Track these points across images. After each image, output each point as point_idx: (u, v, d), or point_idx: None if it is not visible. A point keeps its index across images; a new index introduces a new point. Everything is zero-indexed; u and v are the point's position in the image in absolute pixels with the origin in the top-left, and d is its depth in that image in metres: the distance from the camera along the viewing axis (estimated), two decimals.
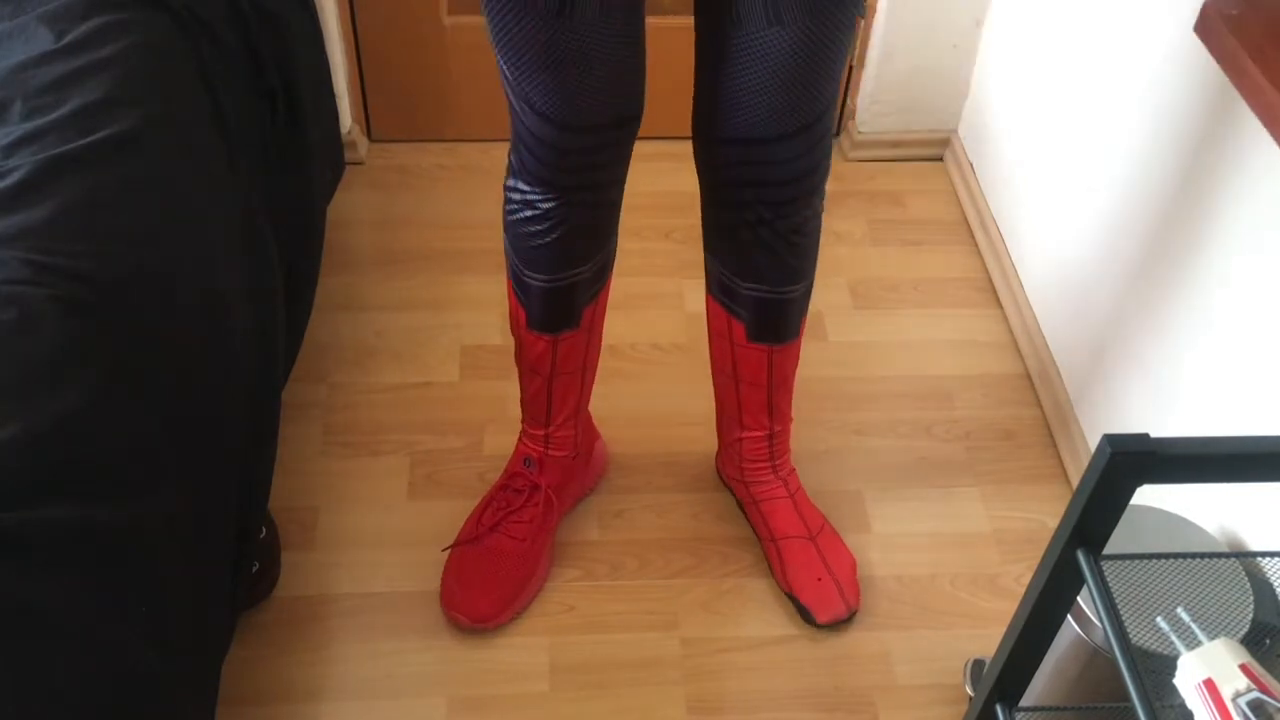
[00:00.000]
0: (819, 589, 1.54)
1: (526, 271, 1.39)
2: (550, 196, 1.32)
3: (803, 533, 1.58)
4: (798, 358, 1.52)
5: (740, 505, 1.65)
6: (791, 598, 1.55)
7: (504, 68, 1.23)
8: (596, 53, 1.18)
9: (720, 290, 1.45)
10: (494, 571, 1.53)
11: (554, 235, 1.35)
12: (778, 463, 1.60)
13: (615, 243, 1.43)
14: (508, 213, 1.37)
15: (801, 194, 1.33)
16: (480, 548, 1.55)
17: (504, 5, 1.16)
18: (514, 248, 1.39)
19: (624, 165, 1.34)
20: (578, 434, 1.58)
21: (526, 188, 1.33)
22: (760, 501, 1.60)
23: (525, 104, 1.24)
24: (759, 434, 1.58)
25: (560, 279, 1.39)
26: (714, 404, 1.61)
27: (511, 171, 1.35)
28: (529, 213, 1.34)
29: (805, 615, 1.54)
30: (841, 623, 1.54)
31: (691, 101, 1.30)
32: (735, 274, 1.41)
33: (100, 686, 0.92)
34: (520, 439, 1.60)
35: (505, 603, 1.52)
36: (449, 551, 1.56)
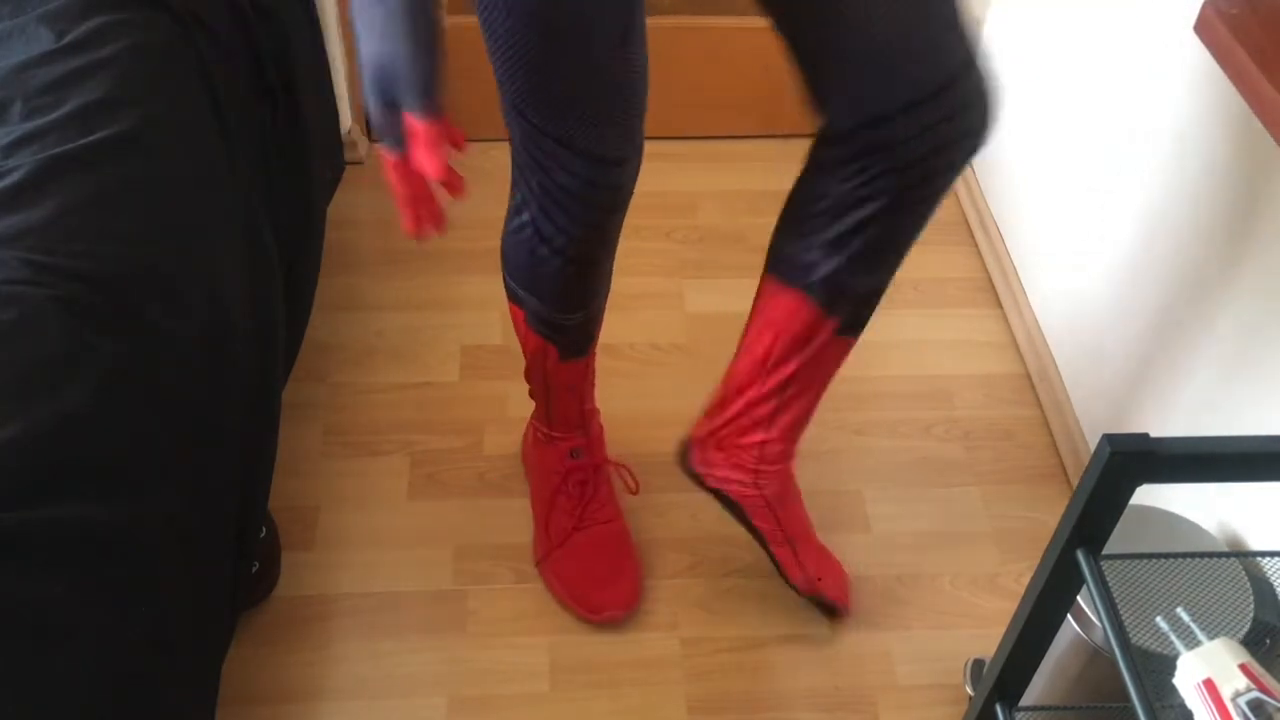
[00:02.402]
0: (841, 581, 1.55)
1: (561, 314, 1.36)
2: (585, 240, 1.26)
3: (812, 530, 1.55)
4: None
5: (735, 508, 1.53)
6: (815, 598, 1.53)
7: (532, 118, 1.13)
8: (636, 79, 1.14)
9: (826, 294, 1.29)
10: (612, 558, 1.56)
11: (587, 276, 1.32)
12: (790, 462, 1.53)
13: None
14: (530, 266, 1.31)
15: (988, 134, 1.17)
16: (585, 547, 1.56)
17: (559, 42, 1.06)
18: (541, 298, 1.34)
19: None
20: (598, 415, 1.62)
21: (564, 242, 1.26)
22: (776, 502, 1.50)
23: (564, 147, 1.15)
24: (794, 435, 1.46)
25: (591, 309, 1.38)
26: (727, 409, 1.47)
27: (533, 229, 1.26)
28: (565, 264, 1.28)
29: (829, 610, 1.54)
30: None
31: (815, 106, 1.19)
32: (858, 271, 1.27)
33: (100, 686, 0.92)
34: (544, 444, 1.60)
35: (637, 580, 1.56)
36: (542, 566, 1.58)
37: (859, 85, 1.13)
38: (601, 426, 1.63)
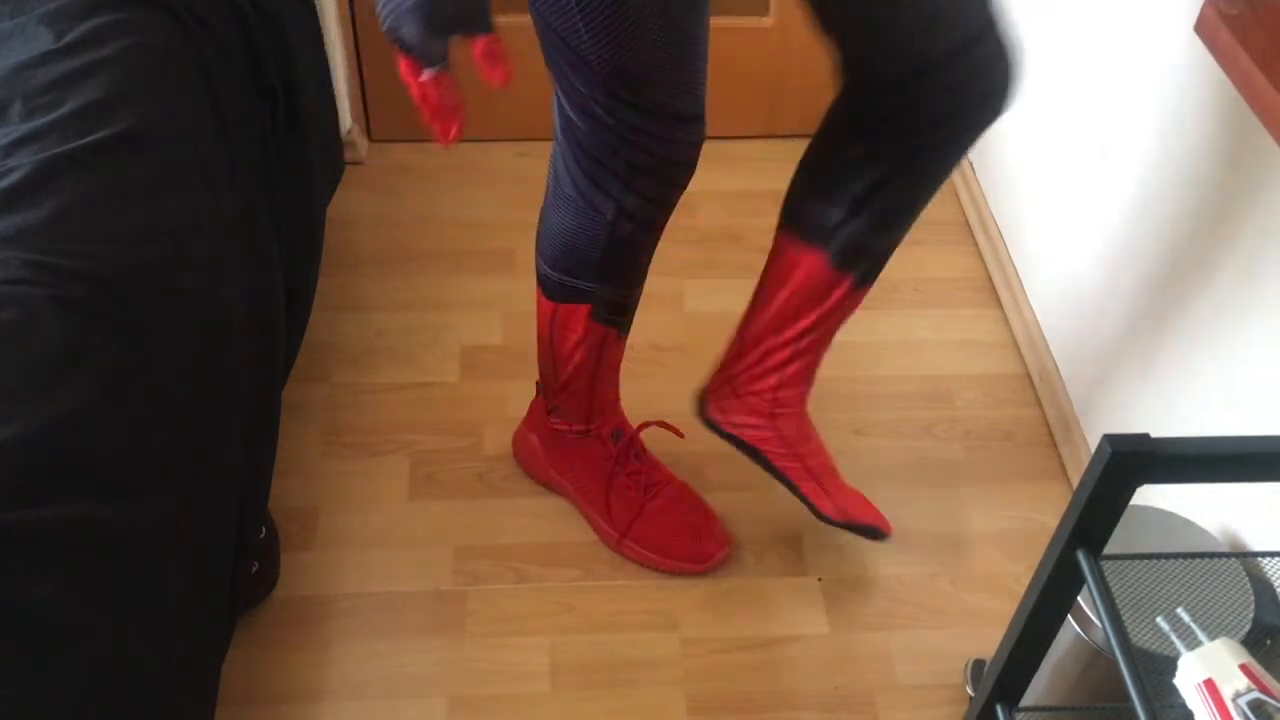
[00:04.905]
0: (869, 508, 1.54)
1: (630, 290, 1.41)
2: (668, 205, 1.31)
3: (834, 465, 1.55)
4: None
5: (754, 453, 1.53)
6: (850, 525, 1.53)
7: (623, 93, 1.17)
8: (705, 33, 1.18)
9: (849, 252, 1.33)
10: (692, 513, 1.61)
11: (650, 245, 1.37)
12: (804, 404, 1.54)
13: None
14: (616, 253, 1.34)
15: (1010, 94, 1.20)
16: (663, 513, 1.60)
17: (641, 8, 1.11)
18: (620, 278, 1.38)
19: None
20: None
21: (651, 211, 1.30)
22: (797, 443, 1.51)
23: (652, 114, 1.19)
24: (807, 381, 1.48)
25: (643, 281, 1.43)
26: (746, 356, 1.47)
27: (621, 213, 1.29)
28: (649, 235, 1.34)
29: (872, 533, 1.53)
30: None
31: (841, 69, 1.23)
32: (878, 230, 1.32)
33: (100, 686, 0.92)
34: (579, 441, 1.61)
35: (718, 518, 1.62)
36: (624, 545, 1.61)
37: (882, 46, 1.18)
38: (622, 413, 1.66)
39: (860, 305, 1.41)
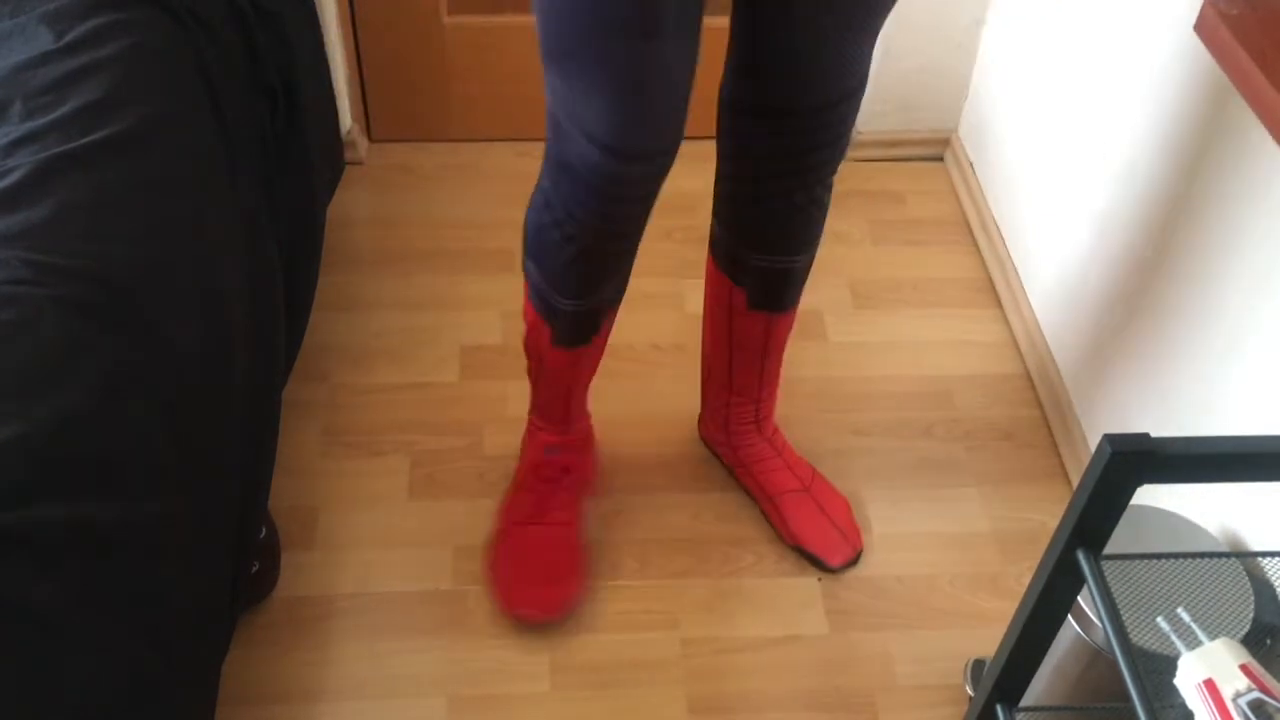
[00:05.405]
0: (824, 537, 1.60)
1: (555, 295, 1.36)
2: (590, 227, 1.25)
3: (797, 486, 1.63)
4: (792, 325, 1.54)
5: (730, 470, 1.69)
6: (799, 549, 1.60)
7: (560, 88, 1.14)
8: (669, 72, 1.12)
9: (726, 260, 1.45)
10: (553, 561, 1.55)
11: (588, 264, 1.31)
12: (763, 425, 1.64)
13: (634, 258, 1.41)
14: (536, 234, 1.31)
15: (830, 162, 1.34)
16: (530, 542, 1.56)
17: (583, 22, 1.07)
18: (541, 271, 1.35)
19: (656, 195, 1.29)
20: (588, 419, 1.63)
21: (565, 216, 1.25)
22: (751, 464, 1.65)
23: (579, 131, 1.15)
24: (746, 399, 1.61)
25: (590, 302, 1.37)
26: (700, 369, 1.64)
27: (545, 197, 1.27)
28: (565, 242, 1.28)
29: (817, 563, 1.60)
30: (851, 564, 1.60)
31: (724, 71, 1.29)
32: (747, 245, 1.41)
33: (100, 686, 0.92)
34: (531, 432, 1.60)
35: (573, 588, 1.55)
36: (487, 548, 1.58)
37: (770, 77, 1.24)
38: (588, 435, 1.63)
39: (777, 336, 1.53)
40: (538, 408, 1.57)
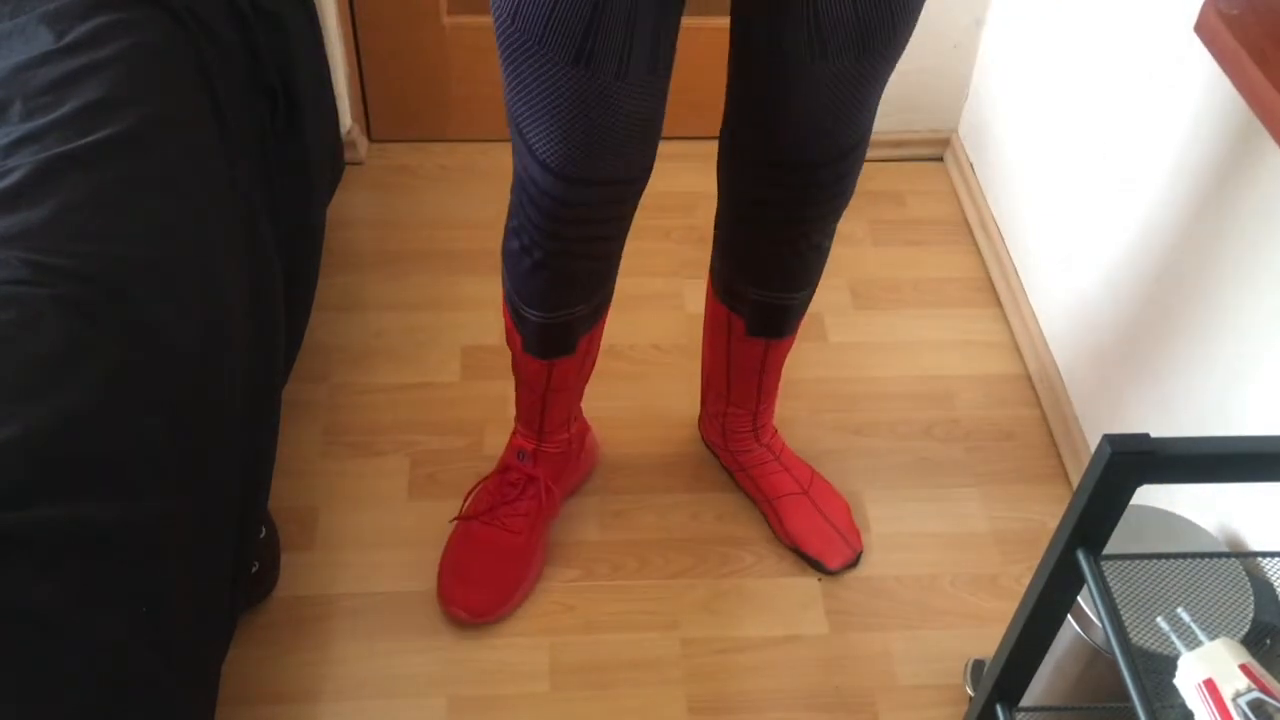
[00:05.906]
0: (823, 539, 1.60)
1: (520, 304, 1.35)
2: (545, 246, 1.24)
3: (795, 489, 1.63)
4: (791, 346, 1.55)
5: (729, 472, 1.69)
6: (797, 551, 1.60)
7: (510, 98, 1.15)
8: (616, 105, 1.10)
9: (725, 292, 1.46)
10: (492, 565, 1.53)
11: (550, 281, 1.29)
12: (760, 433, 1.64)
13: (615, 280, 1.39)
14: (504, 238, 1.31)
15: (831, 214, 1.33)
16: (475, 541, 1.55)
17: (520, 46, 1.07)
18: (508, 276, 1.34)
19: (626, 221, 1.27)
20: (570, 434, 1.59)
21: (519, 227, 1.25)
22: (749, 468, 1.65)
23: (526, 146, 1.16)
24: (744, 411, 1.61)
25: (557, 316, 1.35)
26: (700, 375, 1.65)
27: (510, 208, 1.28)
28: (523, 253, 1.27)
29: (817, 566, 1.60)
30: (850, 566, 1.60)
31: (724, 115, 1.28)
32: (745, 279, 1.41)
33: (100, 686, 0.92)
34: (514, 433, 1.60)
35: (504, 597, 1.52)
36: (446, 544, 1.57)
37: (773, 130, 1.23)
38: (566, 452, 1.59)
39: (773, 360, 1.53)
40: (518, 409, 1.56)
